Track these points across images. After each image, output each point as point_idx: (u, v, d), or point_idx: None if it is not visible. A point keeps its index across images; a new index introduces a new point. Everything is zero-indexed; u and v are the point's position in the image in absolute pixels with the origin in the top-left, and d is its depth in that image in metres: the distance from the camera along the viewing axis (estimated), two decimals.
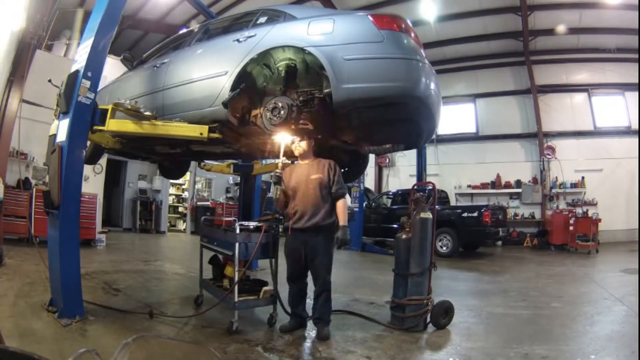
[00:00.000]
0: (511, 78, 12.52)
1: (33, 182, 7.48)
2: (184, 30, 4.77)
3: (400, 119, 2.93)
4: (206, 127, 3.23)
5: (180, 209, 14.04)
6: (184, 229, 13.32)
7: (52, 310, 3.21)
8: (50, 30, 8.32)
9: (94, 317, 3.19)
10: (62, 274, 3.13)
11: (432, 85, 2.86)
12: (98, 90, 3.59)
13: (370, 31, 2.76)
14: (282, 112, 2.95)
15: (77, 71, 3.34)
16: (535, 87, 11.84)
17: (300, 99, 2.99)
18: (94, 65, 3.37)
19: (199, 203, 12.99)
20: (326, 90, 2.84)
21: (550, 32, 10.82)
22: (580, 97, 11.78)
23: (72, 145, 3.24)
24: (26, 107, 6.94)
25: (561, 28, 10.49)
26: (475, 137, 12.93)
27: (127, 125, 3.54)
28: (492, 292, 5.07)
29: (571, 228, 9.45)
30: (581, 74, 11.74)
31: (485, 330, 3.38)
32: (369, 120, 2.94)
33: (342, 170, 4.06)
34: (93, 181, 8.87)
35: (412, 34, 2.86)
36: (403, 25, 2.82)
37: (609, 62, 11.32)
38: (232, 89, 3.10)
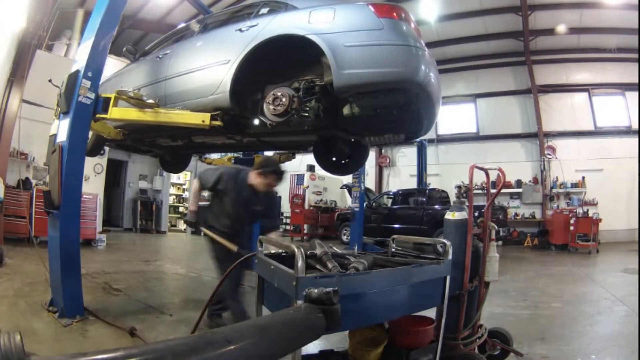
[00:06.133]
0: (512, 78, 12.51)
1: (33, 182, 7.48)
2: (183, 24, 4.78)
3: (400, 106, 2.94)
4: (208, 115, 3.26)
5: (181, 209, 14.04)
6: (185, 229, 13.32)
7: (53, 310, 3.21)
8: (50, 31, 8.33)
9: (95, 317, 3.19)
10: (62, 274, 3.14)
11: (432, 73, 2.87)
12: (100, 83, 3.60)
13: (370, 19, 2.80)
14: (283, 99, 2.97)
15: (77, 71, 3.34)
16: (535, 87, 11.83)
17: (302, 86, 3.01)
18: (95, 65, 3.37)
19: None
20: (327, 78, 2.85)
21: (550, 32, 10.81)
22: (580, 97, 11.76)
23: (73, 145, 3.25)
24: (26, 107, 6.93)
25: (561, 28, 10.49)
26: (476, 137, 12.93)
27: (130, 113, 3.53)
28: (492, 291, 4.96)
29: (572, 228, 9.44)
30: (581, 74, 11.73)
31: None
32: (370, 107, 2.94)
33: (343, 161, 4.08)
34: (93, 181, 8.86)
35: (412, 24, 2.89)
36: (403, 15, 2.86)
37: (609, 62, 11.32)
38: (234, 77, 3.12)
